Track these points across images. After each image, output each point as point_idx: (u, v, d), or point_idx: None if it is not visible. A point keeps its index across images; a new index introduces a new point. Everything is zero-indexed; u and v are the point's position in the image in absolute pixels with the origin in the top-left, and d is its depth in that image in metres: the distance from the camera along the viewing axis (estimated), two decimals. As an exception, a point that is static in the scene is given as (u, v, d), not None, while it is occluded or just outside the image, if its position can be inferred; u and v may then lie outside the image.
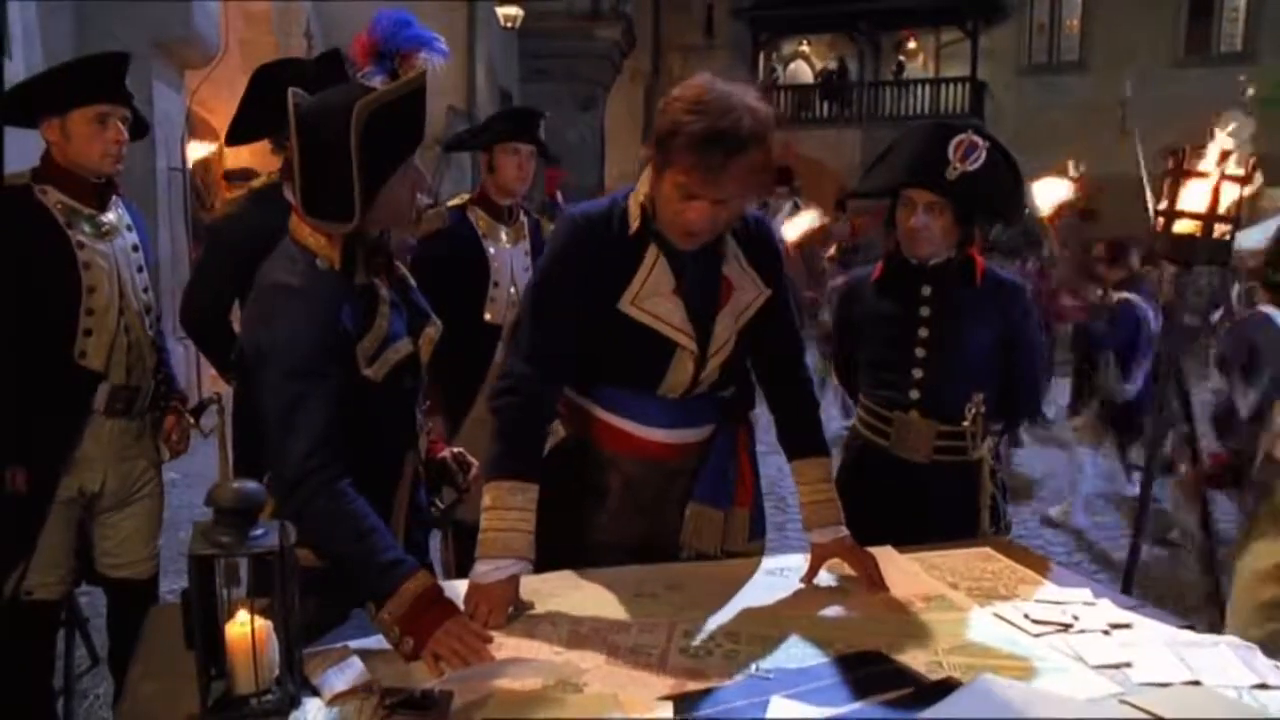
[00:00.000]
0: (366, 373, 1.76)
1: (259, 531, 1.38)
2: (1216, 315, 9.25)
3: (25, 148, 2.47)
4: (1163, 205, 2.57)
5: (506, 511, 1.84)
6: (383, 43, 2.75)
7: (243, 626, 1.38)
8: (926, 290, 2.52)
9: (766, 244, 2.07)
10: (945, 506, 2.52)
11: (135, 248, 2.57)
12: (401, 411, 1.90)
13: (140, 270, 2.58)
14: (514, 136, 3.27)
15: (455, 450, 2.17)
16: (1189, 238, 2.52)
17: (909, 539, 2.24)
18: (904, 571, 2.03)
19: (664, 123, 1.77)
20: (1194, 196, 2.50)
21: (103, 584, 2.73)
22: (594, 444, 2.08)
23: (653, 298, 1.92)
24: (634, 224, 1.91)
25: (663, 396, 2.01)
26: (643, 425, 2.04)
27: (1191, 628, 1.80)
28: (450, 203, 3.40)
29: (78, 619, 2.99)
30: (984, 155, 2.37)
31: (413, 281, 2.02)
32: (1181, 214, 2.53)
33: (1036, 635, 1.72)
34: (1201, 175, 2.47)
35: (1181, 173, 2.52)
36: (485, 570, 1.78)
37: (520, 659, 1.60)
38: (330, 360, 1.69)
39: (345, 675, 1.48)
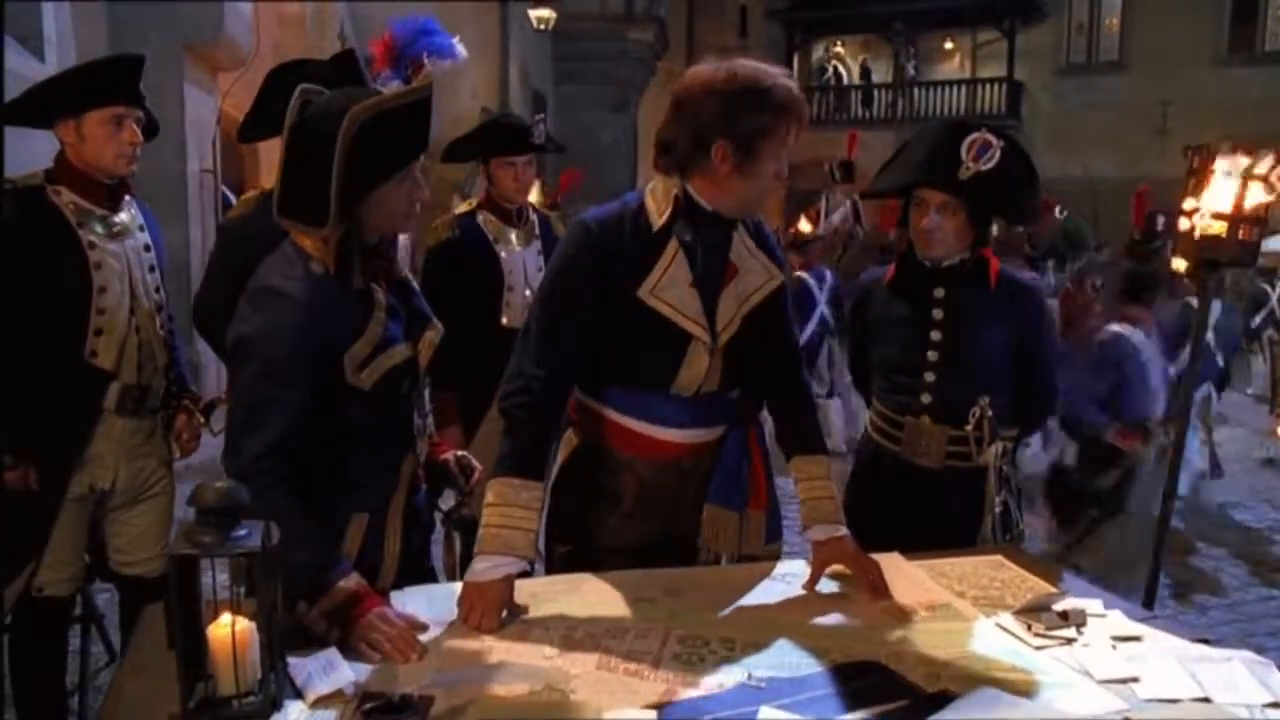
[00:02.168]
0: (354, 381, 1.75)
1: (242, 532, 1.38)
2: (1258, 319, 9.03)
3: (26, 148, 2.49)
4: (1187, 205, 2.50)
5: (509, 509, 1.84)
6: (400, 48, 2.75)
7: (225, 628, 1.37)
8: (939, 292, 2.48)
9: (768, 241, 2.12)
10: (957, 513, 2.47)
11: (147, 248, 2.59)
12: (398, 416, 1.89)
13: (152, 270, 2.59)
14: (505, 151, 3.27)
15: (459, 453, 2.16)
16: (1214, 238, 2.45)
17: (921, 545, 2.20)
18: (909, 579, 1.99)
19: (754, 118, 1.83)
20: (1218, 196, 2.43)
21: (115, 581, 2.75)
22: (607, 447, 2.08)
23: (671, 289, 1.94)
24: (660, 219, 1.94)
25: (676, 395, 2.00)
26: (656, 425, 2.04)
27: (1206, 641, 1.74)
28: (458, 209, 3.41)
29: (94, 615, 3.02)
30: (998, 155, 2.32)
31: (415, 285, 2.02)
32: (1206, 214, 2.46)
33: (1038, 648, 1.67)
34: (1226, 175, 2.40)
35: (1206, 172, 2.45)
36: (483, 568, 1.78)
37: (508, 663, 1.58)
38: (306, 370, 1.70)
39: (329, 678, 1.47)
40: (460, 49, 2.28)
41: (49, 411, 2.42)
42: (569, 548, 2.13)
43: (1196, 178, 2.49)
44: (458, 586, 1.84)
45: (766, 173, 1.89)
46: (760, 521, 2.12)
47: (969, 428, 2.44)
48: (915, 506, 2.47)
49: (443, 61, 1.82)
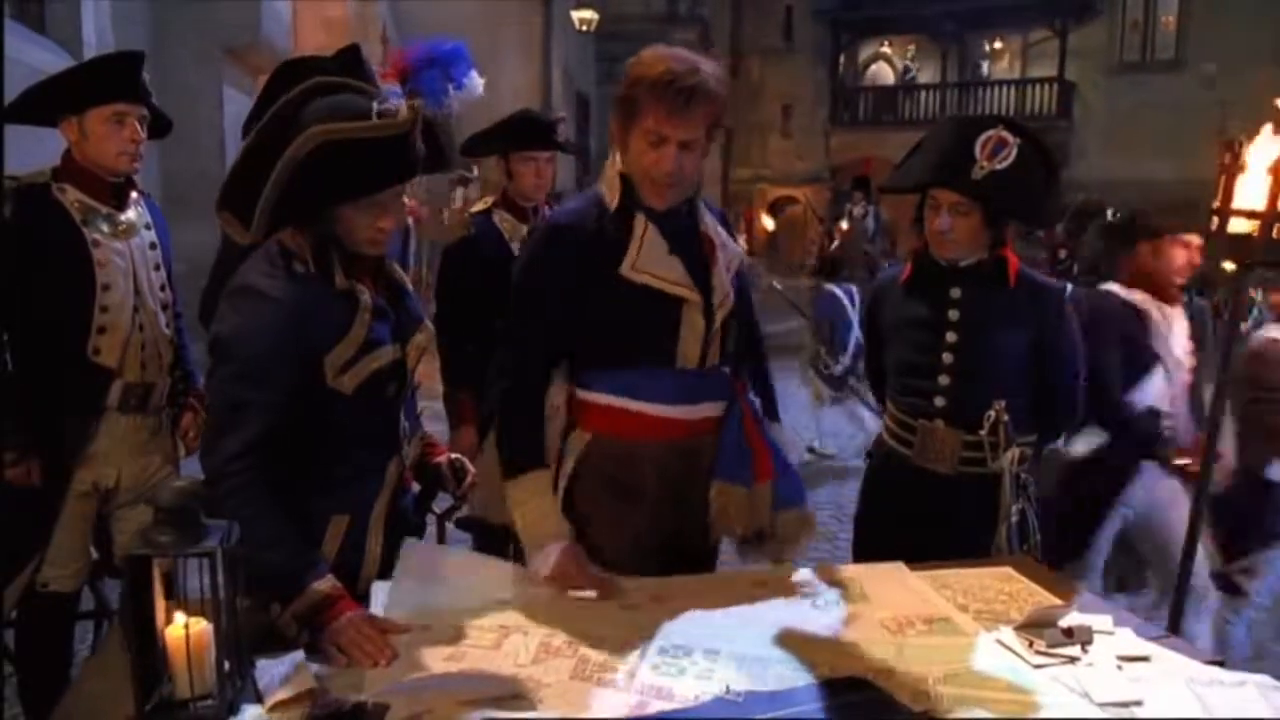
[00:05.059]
0: (335, 384, 1.73)
1: (201, 532, 1.35)
2: None
3: (30, 146, 2.50)
4: (1218, 203, 2.38)
5: (535, 501, 1.92)
6: (408, 69, 2.70)
7: (182, 629, 1.35)
8: (956, 292, 2.39)
9: (726, 226, 2.17)
10: (970, 521, 2.37)
11: (153, 246, 2.59)
12: (383, 419, 1.86)
13: (158, 268, 2.60)
14: (528, 145, 3.22)
15: (452, 456, 2.13)
16: (1245, 238, 2.33)
17: (933, 554, 2.12)
18: (911, 590, 1.91)
19: (625, 81, 1.89)
20: (1251, 193, 2.31)
21: (122, 578, 2.75)
22: (622, 439, 2.02)
23: (651, 260, 1.94)
24: (614, 198, 1.96)
25: (681, 369, 2.00)
26: (665, 404, 2.01)
27: (1220, 663, 1.64)
28: (474, 208, 3.37)
29: (107, 611, 3.04)
30: (1014, 153, 2.23)
31: (409, 286, 1.99)
32: (1237, 212, 2.34)
33: (1038, 666, 1.58)
34: (1259, 170, 2.28)
35: (1238, 167, 2.33)
36: (539, 562, 1.86)
37: (479, 670, 1.53)
38: (283, 371, 1.67)
39: (290, 681, 1.43)
40: (450, 102, 2.18)
41: (52, 408, 2.43)
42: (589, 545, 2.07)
43: (1228, 174, 2.36)
44: (451, 554, 1.91)
45: (638, 145, 1.90)
46: (767, 492, 2.07)
47: (983, 433, 2.35)
48: (929, 514, 2.38)
49: (431, 105, 1.76)
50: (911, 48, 22.78)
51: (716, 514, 2.03)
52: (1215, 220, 2.39)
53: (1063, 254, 8.01)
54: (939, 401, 2.40)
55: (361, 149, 1.64)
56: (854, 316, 7.31)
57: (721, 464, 2.04)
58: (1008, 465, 2.34)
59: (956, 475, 2.39)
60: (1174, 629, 2.37)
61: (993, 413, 2.33)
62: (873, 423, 6.83)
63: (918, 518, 2.39)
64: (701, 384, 2.03)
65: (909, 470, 2.46)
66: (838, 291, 7.54)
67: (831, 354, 7.33)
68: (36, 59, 4.71)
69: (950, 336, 2.39)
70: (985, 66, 22.16)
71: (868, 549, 2.53)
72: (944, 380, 2.39)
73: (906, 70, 23.06)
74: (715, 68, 1.89)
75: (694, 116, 1.84)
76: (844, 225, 8.69)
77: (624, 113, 1.90)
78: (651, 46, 1.94)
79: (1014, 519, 2.36)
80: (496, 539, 2.40)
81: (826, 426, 7.41)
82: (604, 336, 1.99)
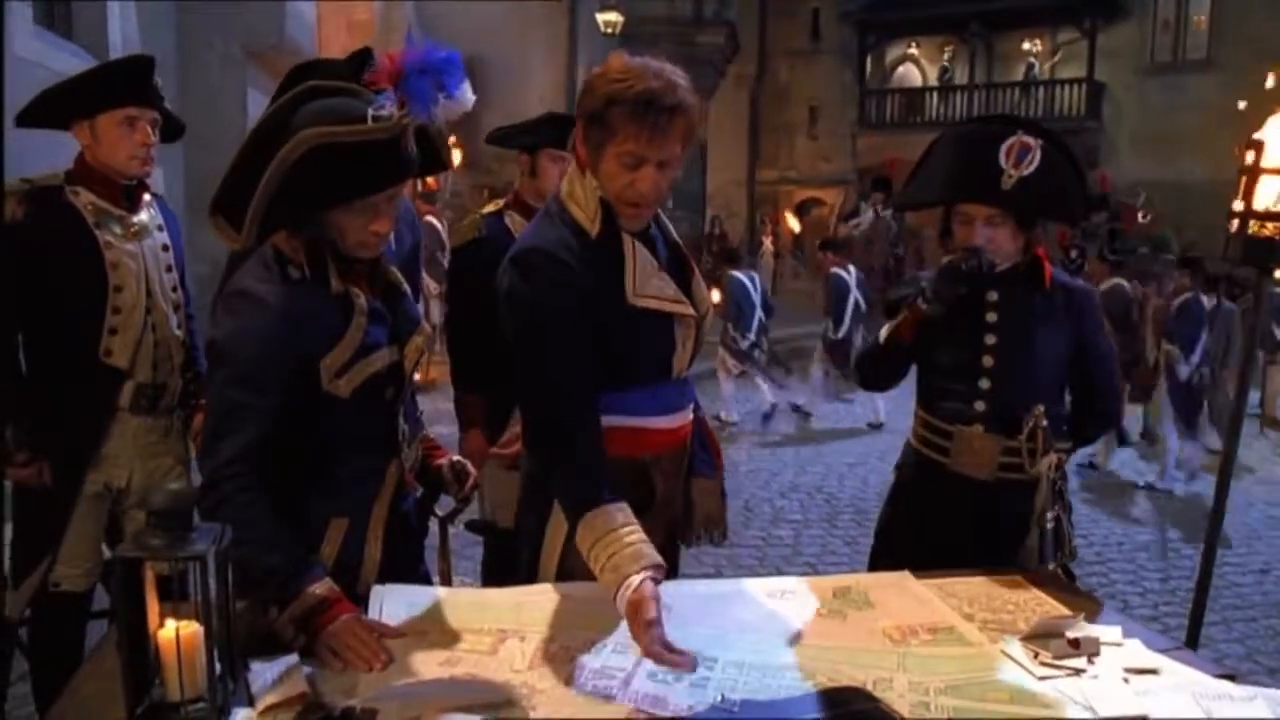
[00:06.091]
0: (331, 388, 1.72)
1: (193, 535, 1.35)
2: None
3: (48, 149, 2.53)
4: (1238, 205, 2.33)
5: (603, 543, 1.68)
6: (399, 75, 2.68)
7: (173, 632, 1.35)
8: (993, 296, 2.36)
9: None
10: (1007, 529, 2.32)
11: (165, 248, 2.62)
12: (381, 421, 1.85)
13: (170, 270, 2.62)
14: (558, 143, 3.20)
15: (454, 459, 2.12)
16: (1266, 241, 2.28)
17: (969, 561, 2.10)
18: (915, 599, 1.88)
19: (594, 101, 1.78)
20: (1272, 195, 2.26)
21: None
22: (625, 458, 1.93)
23: (649, 283, 1.90)
24: (595, 224, 1.86)
25: (676, 380, 1.99)
26: (669, 416, 2.00)
27: (1231, 677, 1.60)
28: (485, 209, 3.35)
29: (121, 610, 3.06)
30: (1039, 156, 2.19)
31: (406, 288, 1.98)
32: (1258, 215, 2.29)
33: (1042, 678, 1.55)
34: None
35: (1259, 169, 2.28)
36: (622, 595, 1.61)
37: (474, 675, 1.52)
38: (278, 376, 1.67)
39: (283, 685, 1.43)
40: (437, 114, 2.15)
41: (64, 409, 2.46)
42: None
43: (1249, 176, 2.31)
44: (441, 590, 1.81)
45: (612, 168, 1.80)
46: (722, 478, 2.17)
47: (1022, 438, 2.29)
48: (963, 521, 2.33)
49: (416, 115, 1.73)
50: (950, 49, 22.57)
51: (700, 510, 2.08)
52: (1235, 223, 2.34)
53: (1074, 254, 7.92)
54: (979, 406, 2.36)
55: (352, 152, 1.63)
56: (757, 299, 8.59)
57: (697, 462, 2.10)
58: (1045, 471, 2.29)
59: (995, 481, 2.34)
60: (1191, 642, 2.32)
61: (1032, 418, 2.28)
62: (770, 393, 8.53)
63: (951, 525, 2.34)
64: (687, 390, 2.05)
65: (944, 477, 2.41)
66: (743, 277, 8.65)
67: (739, 330, 8.42)
68: (63, 64, 4.76)
69: (990, 339, 2.36)
70: (1026, 67, 21.86)
71: (892, 556, 2.47)
72: (984, 384, 2.35)
73: (944, 71, 22.84)
74: (686, 77, 1.80)
75: (673, 135, 1.77)
76: (847, 227, 9.16)
77: (595, 134, 1.79)
78: (617, 55, 1.82)
79: (1049, 525, 2.31)
80: (508, 543, 2.39)
81: (731, 396, 8.73)
82: (611, 363, 1.91)
